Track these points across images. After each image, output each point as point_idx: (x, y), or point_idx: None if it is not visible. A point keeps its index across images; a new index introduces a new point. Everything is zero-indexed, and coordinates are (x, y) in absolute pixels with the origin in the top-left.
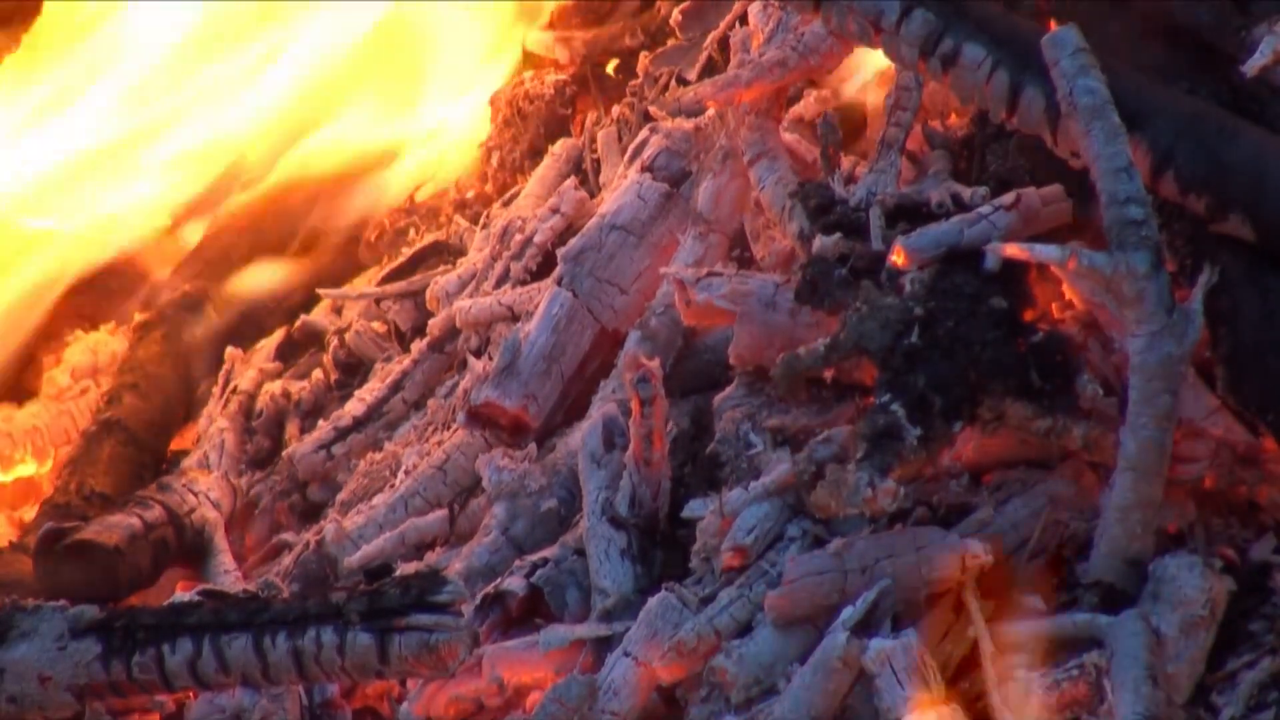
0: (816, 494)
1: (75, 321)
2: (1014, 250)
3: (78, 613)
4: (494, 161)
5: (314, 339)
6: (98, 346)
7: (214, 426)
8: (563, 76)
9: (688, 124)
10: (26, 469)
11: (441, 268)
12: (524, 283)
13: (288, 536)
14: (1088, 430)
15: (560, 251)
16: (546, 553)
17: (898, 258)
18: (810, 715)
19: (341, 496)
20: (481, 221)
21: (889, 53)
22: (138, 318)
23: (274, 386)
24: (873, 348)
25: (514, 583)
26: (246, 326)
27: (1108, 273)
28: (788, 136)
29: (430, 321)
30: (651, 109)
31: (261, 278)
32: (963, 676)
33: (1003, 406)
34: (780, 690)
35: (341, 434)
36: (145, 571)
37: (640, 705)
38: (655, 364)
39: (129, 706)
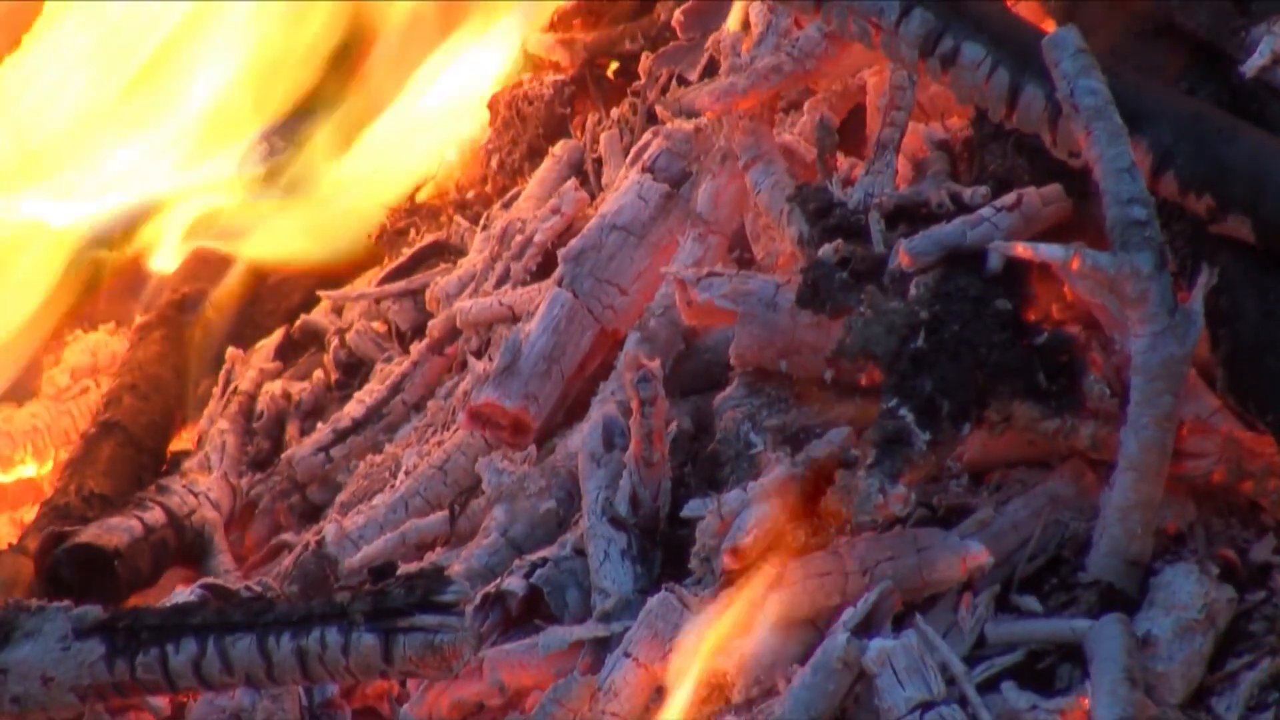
0: (827, 501)
1: (75, 321)
2: (1019, 250)
3: (81, 613)
4: (494, 163)
5: (314, 339)
6: (98, 346)
7: (215, 427)
8: (562, 77)
9: (688, 125)
10: (26, 469)
11: (441, 268)
12: (524, 283)
13: (288, 537)
14: (1095, 430)
15: (560, 252)
16: (546, 553)
17: (903, 261)
18: (810, 715)
19: (342, 498)
20: (482, 223)
21: (889, 53)
22: (138, 318)
23: (274, 387)
24: (879, 352)
25: (514, 583)
26: (246, 327)
27: (1111, 273)
28: (785, 137)
29: (430, 323)
30: (659, 109)
31: None
32: None
33: (1010, 408)
34: (780, 690)
35: (341, 436)
36: (145, 573)
37: (640, 705)
38: (656, 364)
39: (128, 706)
